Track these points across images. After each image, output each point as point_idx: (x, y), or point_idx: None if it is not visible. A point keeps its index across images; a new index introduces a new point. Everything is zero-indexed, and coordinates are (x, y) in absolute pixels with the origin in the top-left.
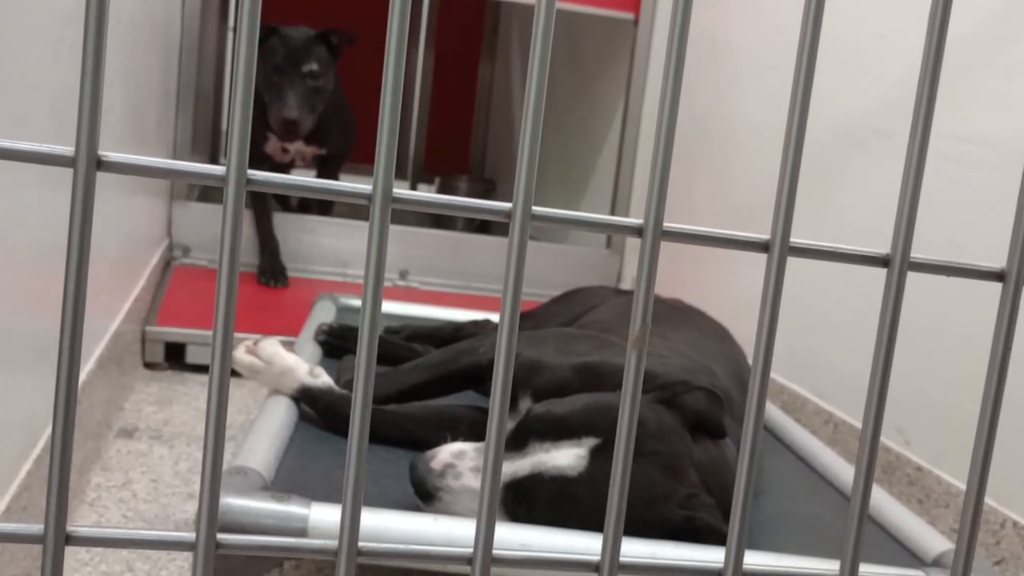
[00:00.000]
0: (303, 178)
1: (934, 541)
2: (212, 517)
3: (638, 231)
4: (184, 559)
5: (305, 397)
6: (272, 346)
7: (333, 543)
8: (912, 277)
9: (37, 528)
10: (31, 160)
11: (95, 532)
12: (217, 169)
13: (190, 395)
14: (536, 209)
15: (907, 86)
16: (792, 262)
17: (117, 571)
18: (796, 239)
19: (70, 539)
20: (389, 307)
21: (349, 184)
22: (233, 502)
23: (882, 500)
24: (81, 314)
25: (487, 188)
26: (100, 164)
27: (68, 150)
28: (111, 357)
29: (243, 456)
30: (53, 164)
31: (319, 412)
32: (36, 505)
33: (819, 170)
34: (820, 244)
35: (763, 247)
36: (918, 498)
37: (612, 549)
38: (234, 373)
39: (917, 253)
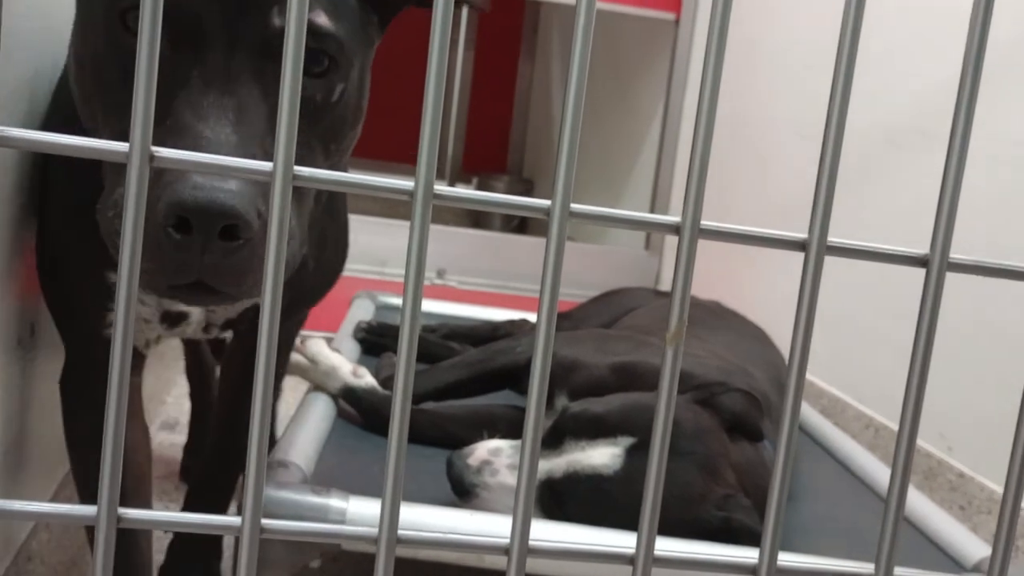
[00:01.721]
0: (346, 174)
1: (974, 547)
2: (257, 503)
3: (675, 229)
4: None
5: (348, 397)
6: (318, 345)
7: (373, 530)
8: (956, 279)
9: (90, 510)
10: (88, 155)
11: (145, 515)
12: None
13: None
14: (574, 206)
15: (951, 87)
16: (835, 266)
17: (158, 561)
18: (835, 238)
19: (121, 520)
20: (427, 306)
21: (391, 180)
22: (274, 493)
23: (922, 506)
24: (132, 308)
25: (525, 188)
26: (152, 159)
27: (123, 146)
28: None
29: (283, 450)
30: (109, 159)
31: (361, 412)
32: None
33: (861, 171)
34: (857, 243)
35: (800, 246)
36: (960, 504)
37: (647, 541)
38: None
39: (958, 254)
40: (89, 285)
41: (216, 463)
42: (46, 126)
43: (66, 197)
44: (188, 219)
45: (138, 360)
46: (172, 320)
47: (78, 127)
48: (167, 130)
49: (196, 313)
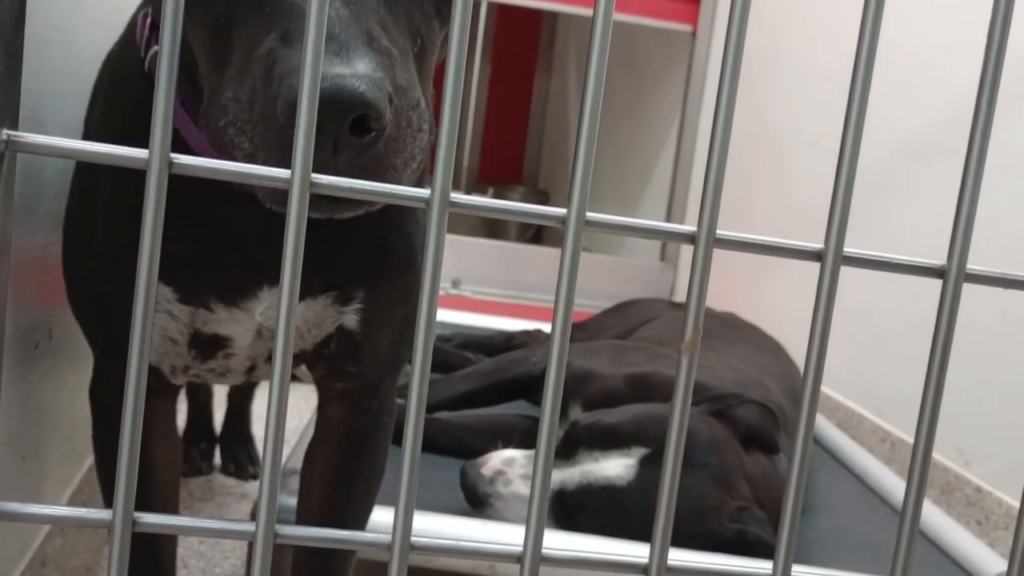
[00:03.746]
0: (364, 182)
1: (991, 562)
2: (271, 508)
3: (691, 238)
4: (237, 558)
5: None
6: None
7: (386, 536)
8: (975, 292)
9: (106, 514)
10: (107, 161)
11: (160, 519)
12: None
13: None
14: (590, 215)
15: (972, 101)
16: (852, 278)
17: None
18: (853, 249)
19: (136, 525)
20: (441, 315)
21: (408, 188)
22: (287, 501)
23: (939, 520)
24: (150, 313)
25: (541, 199)
26: (171, 166)
27: (143, 152)
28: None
29: (296, 458)
30: (131, 166)
31: None
32: (94, 501)
33: (881, 185)
34: (873, 254)
35: (816, 256)
36: (977, 519)
37: (660, 551)
38: (294, 378)
39: (976, 266)
40: (123, 293)
41: None
42: (98, 129)
43: (103, 202)
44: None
45: (169, 390)
46: (203, 348)
47: (112, 129)
48: (269, 16)
49: (241, 338)
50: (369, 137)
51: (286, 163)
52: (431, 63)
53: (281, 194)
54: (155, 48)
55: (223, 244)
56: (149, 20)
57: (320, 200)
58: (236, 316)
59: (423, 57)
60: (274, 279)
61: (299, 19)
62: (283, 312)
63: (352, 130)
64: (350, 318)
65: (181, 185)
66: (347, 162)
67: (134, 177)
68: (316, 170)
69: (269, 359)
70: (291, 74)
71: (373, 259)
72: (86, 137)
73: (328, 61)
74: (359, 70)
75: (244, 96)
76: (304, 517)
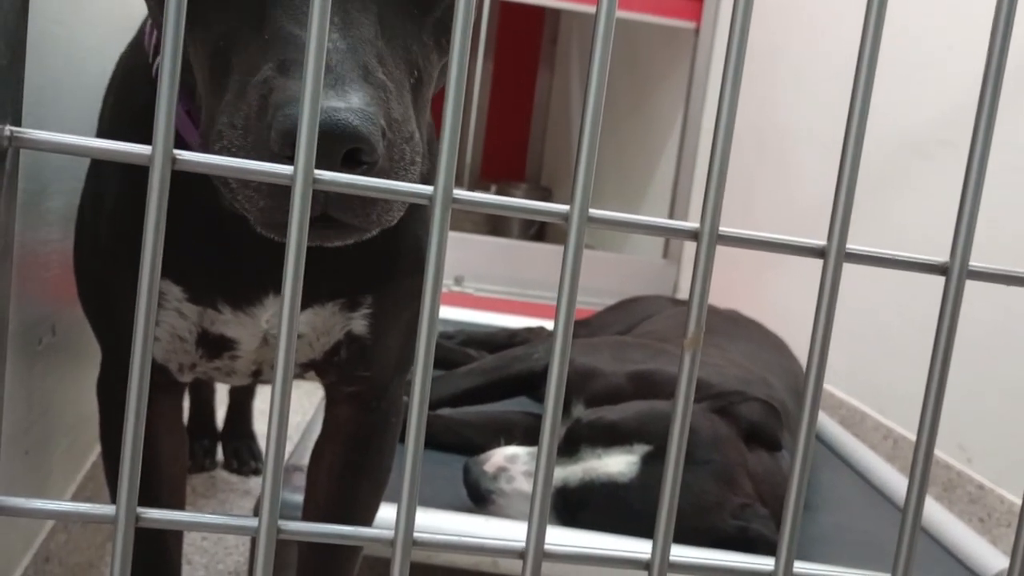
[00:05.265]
0: (367, 179)
1: (993, 559)
2: (274, 504)
3: (693, 234)
4: (240, 554)
5: None
6: None
7: (389, 532)
8: (979, 290)
9: (109, 509)
10: (109, 157)
11: (164, 515)
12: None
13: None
14: (593, 212)
15: (974, 97)
16: (855, 275)
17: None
18: (856, 246)
19: (140, 520)
20: (444, 312)
21: (411, 184)
22: (290, 497)
23: (941, 517)
24: (153, 311)
25: (543, 196)
26: (175, 162)
27: (146, 149)
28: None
29: (299, 454)
30: (132, 162)
31: None
32: (97, 497)
33: (883, 182)
34: (876, 251)
35: (818, 253)
36: (979, 517)
37: (662, 547)
38: (297, 376)
39: (979, 262)
40: (133, 291)
41: None
42: (110, 126)
43: (112, 201)
44: None
45: (176, 387)
46: (210, 347)
47: (125, 127)
48: (267, 44)
49: (246, 342)
50: (361, 170)
51: (277, 192)
52: (428, 95)
53: (272, 220)
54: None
55: (232, 249)
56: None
57: (313, 227)
58: (242, 320)
59: (419, 89)
60: (279, 287)
61: (297, 49)
62: (286, 311)
63: (344, 163)
64: (359, 323)
65: (192, 189)
66: (338, 194)
67: (142, 178)
68: (318, 202)
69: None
70: (286, 104)
71: (381, 263)
72: (98, 137)
73: (323, 93)
74: (353, 104)
75: (239, 123)
76: (310, 515)
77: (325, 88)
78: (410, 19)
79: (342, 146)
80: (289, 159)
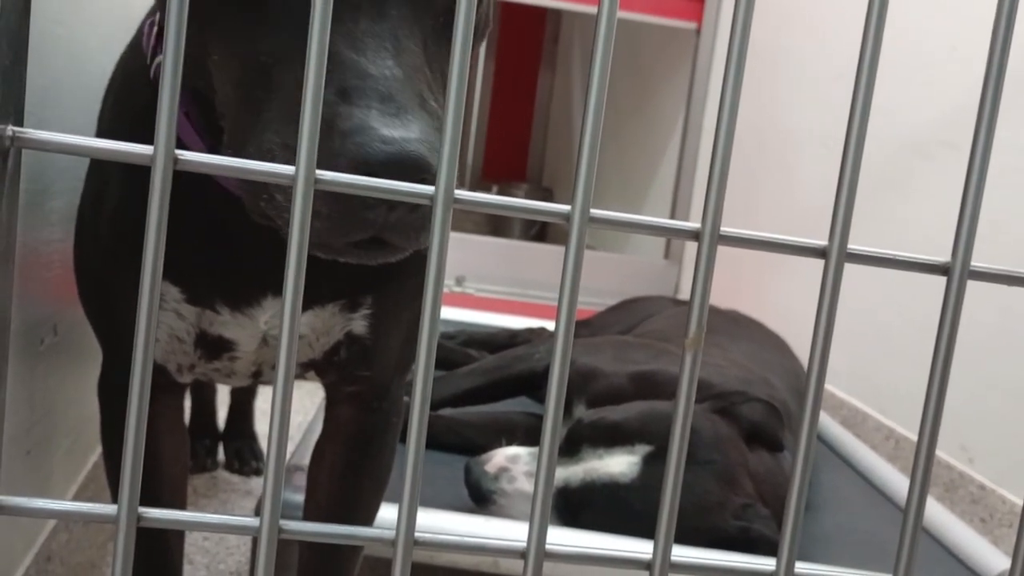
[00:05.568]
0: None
1: (995, 559)
2: (275, 504)
3: (695, 235)
4: (242, 554)
5: None
6: None
7: (390, 532)
8: (981, 291)
9: (111, 509)
10: (111, 157)
11: (165, 514)
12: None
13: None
14: (594, 212)
15: (975, 98)
16: (856, 275)
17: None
18: (857, 246)
19: (141, 519)
20: (445, 313)
21: (412, 185)
22: (291, 497)
23: (943, 518)
24: (155, 312)
25: (545, 196)
26: (176, 162)
27: (148, 149)
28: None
29: (300, 454)
30: (135, 162)
31: None
32: (99, 497)
33: (884, 182)
34: (877, 251)
35: (820, 253)
36: (981, 517)
37: (664, 547)
38: (298, 376)
39: (980, 263)
40: (134, 292)
41: None
42: (110, 126)
43: (113, 202)
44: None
45: (176, 388)
46: (209, 348)
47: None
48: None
49: (245, 343)
50: None
51: (348, 221)
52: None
53: (325, 241)
54: (160, 58)
55: (231, 250)
56: (155, 29)
57: (359, 246)
58: (241, 322)
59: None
60: (278, 289)
61: (357, 75)
62: (287, 313)
63: None
64: (359, 324)
65: (191, 190)
66: (399, 219)
67: (142, 178)
68: (360, 226)
69: (275, 367)
70: (356, 133)
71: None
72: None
73: (388, 122)
74: (417, 134)
75: (294, 144)
76: (311, 515)
77: (389, 116)
78: (446, 42)
79: (413, 176)
80: None
